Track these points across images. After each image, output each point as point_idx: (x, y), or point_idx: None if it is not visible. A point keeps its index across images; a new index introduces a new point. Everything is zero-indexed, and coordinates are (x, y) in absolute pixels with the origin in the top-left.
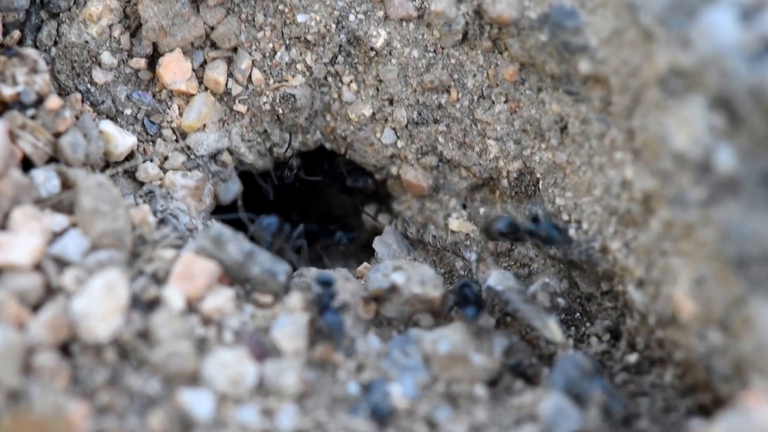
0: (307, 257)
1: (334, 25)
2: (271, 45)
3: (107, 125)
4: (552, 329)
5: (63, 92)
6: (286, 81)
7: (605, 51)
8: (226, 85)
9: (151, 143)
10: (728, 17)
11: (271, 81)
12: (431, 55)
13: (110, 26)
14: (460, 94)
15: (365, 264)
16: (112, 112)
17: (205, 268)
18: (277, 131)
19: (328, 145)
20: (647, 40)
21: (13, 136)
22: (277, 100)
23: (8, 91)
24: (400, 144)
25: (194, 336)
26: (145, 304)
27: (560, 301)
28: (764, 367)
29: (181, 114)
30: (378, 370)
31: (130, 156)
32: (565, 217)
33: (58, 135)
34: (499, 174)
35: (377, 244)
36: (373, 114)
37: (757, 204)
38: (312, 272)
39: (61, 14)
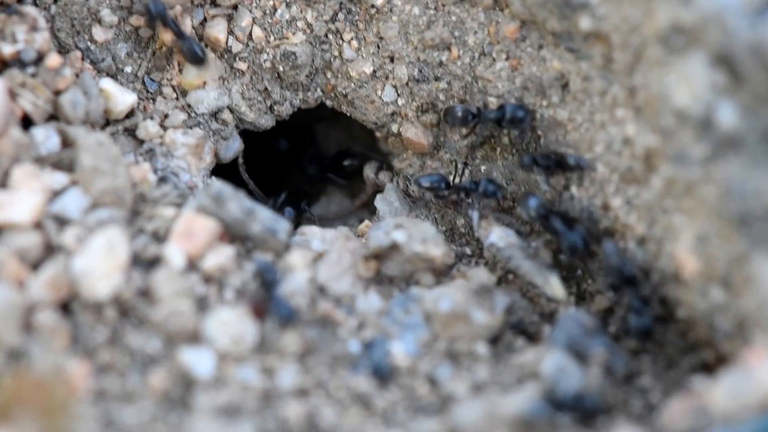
0: None
1: None
2: (271, 2)
3: (107, 83)
4: (554, 286)
5: (63, 50)
6: (287, 38)
7: (606, 8)
8: (227, 42)
9: (151, 101)
10: None
11: (272, 38)
12: (432, 12)
13: None
14: (461, 52)
15: (366, 222)
16: (112, 70)
17: (206, 226)
18: (278, 89)
19: (328, 103)
20: None
21: (13, 95)
22: (278, 58)
23: (8, 49)
24: (400, 102)
25: (195, 294)
26: (145, 263)
27: (562, 257)
28: (766, 325)
29: (181, 71)
30: (379, 329)
31: (131, 114)
32: (567, 174)
33: (58, 93)
34: (500, 131)
35: (379, 201)
36: (374, 71)
37: (759, 161)
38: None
39: None
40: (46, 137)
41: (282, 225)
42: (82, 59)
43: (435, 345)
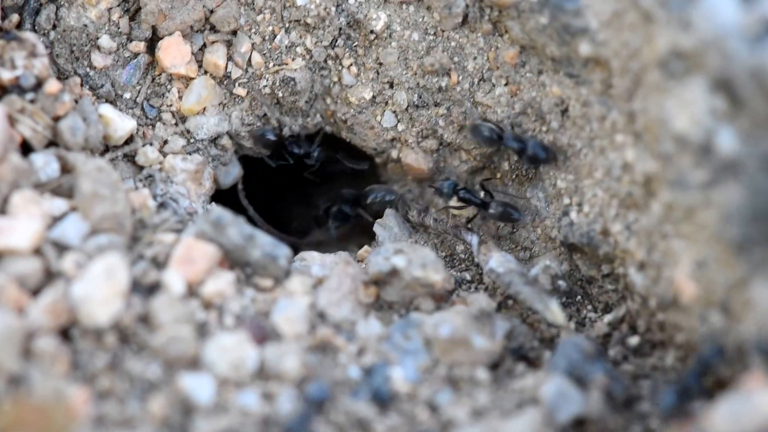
0: None
1: (333, 8)
2: (270, 28)
3: (107, 109)
4: (554, 311)
5: (62, 76)
6: (286, 64)
7: (606, 33)
8: (226, 68)
9: (150, 127)
10: None
11: (271, 64)
12: (431, 37)
13: (109, 10)
14: (460, 77)
15: (366, 247)
16: (112, 96)
17: (206, 252)
18: (277, 115)
19: (328, 128)
20: (647, 22)
21: (12, 121)
22: (277, 84)
23: (7, 75)
24: (400, 127)
25: (195, 320)
26: (145, 289)
27: (561, 283)
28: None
29: (180, 97)
30: (379, 354)
31: (130, 140)
32: (566, 200)
33: (57, 119)
34: (500, 157)
35: (378, 227)
36: (374, 97)
37: (758, 186)
38: None
39: None
40: (45, 163)
41: (282, 250)
42: (82, 85)
43: (435, 370)
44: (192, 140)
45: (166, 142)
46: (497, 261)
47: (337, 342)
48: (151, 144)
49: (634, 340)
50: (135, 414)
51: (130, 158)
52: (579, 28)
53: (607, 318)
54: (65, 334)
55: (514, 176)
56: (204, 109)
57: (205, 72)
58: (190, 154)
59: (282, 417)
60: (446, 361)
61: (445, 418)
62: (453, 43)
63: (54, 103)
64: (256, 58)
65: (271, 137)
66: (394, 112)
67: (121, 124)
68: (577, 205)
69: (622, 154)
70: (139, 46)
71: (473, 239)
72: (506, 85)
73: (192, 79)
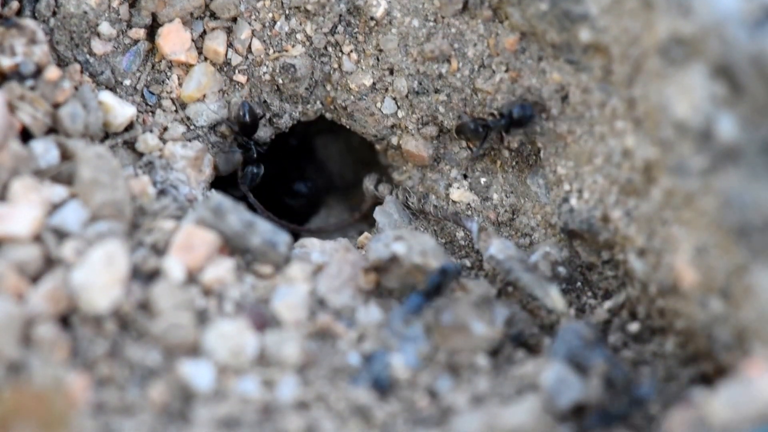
0: None
1: None
2: (270, 15)
3: (106, 96)
4: (554, 298)
5: (62, 63)
6: (286, 51)
7: (606, 19)
8: (226, 55)
9: (150, 114)
10: None
11: (271, 51)
12: (431, 24)
13: None
14: (460, 64)
15: (366, 234)
16: (112, 83)
17: (206, 239)
18: (277, 102)
19: (328, 115)
20: (648, 8)
21: (11, 107)
22: (277, 70)
23: (7, 62)
24: (400, 114)
25: (194, 307)
26: (145, 275)
27: (561, 270)
28: (766, 336)
29: (180, 84)
30: (379, 341)
31: (130, 127)
32: (567, 186)
33: (57, 106)
34: (500, 143)
35: (378, 213)
36: (374, 84)
37: (759, 172)
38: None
39: None
40: (45, 150)
41: (282, 237)
42: (81, 72)
43: (435, 357)
44: (192, 127)
45: (165, 128)
46: (497, 247)
47: (337, 329)
48: (151, 131)
49: (634, 327)
50: (135, 401)
51: (130, 145)
52: (579, 14)
53: (607, 304)
54: (65, 321)
55: (514, 163)
56: (204, 95)
57: (205, 59)
58: (190, 141)
59: (282, 403)
60: (446, 348)
61: (444, 405)
62: (453, 30)
63: (54, 90)
64: (256, 44)
65: (246, 117)
66: (394, 98)
67: (121, 110)
68: (578, 191)
69: (622, 141)
70: (139, 32)
71: (473, 226)
72: (506, 71)
73: (192, 65)
